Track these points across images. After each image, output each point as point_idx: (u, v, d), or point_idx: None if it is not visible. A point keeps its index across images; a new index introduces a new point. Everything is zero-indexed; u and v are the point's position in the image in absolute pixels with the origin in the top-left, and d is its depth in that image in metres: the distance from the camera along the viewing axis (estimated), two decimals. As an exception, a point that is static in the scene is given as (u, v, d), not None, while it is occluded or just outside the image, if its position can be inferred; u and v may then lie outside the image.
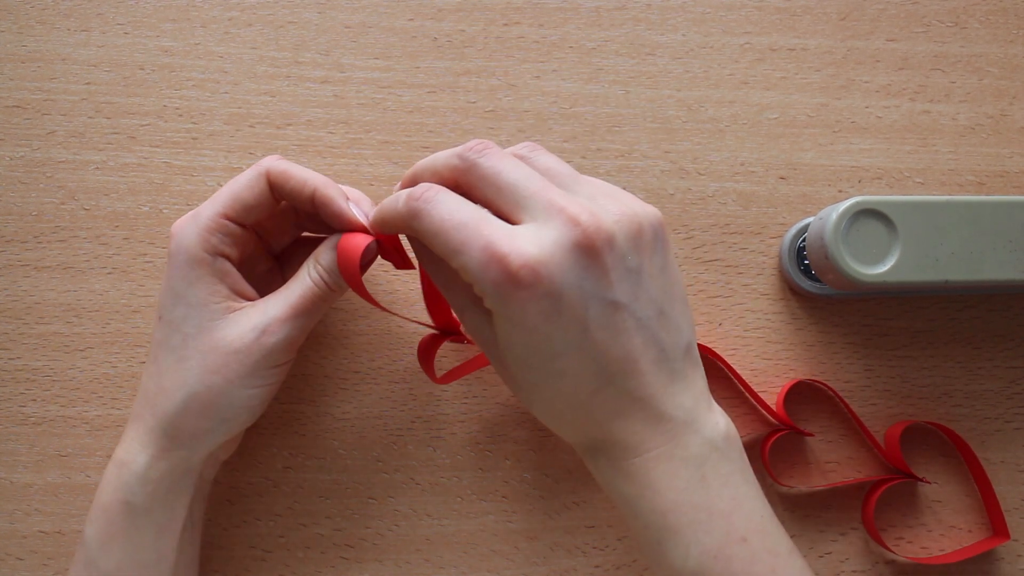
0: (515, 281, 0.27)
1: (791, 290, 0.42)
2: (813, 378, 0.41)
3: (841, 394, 0.41)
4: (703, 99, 0.43)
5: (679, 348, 0.30)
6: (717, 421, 0.30)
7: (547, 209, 0.28)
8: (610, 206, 0.29)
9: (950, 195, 0.42)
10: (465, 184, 0.30)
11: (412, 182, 0.32)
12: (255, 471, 0.40)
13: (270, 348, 0.32)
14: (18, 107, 0.42)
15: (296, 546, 0.40)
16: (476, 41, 0.43)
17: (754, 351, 0.41)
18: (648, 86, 0.43)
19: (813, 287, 0.41)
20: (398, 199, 0.30)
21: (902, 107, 0.44)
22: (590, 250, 0.27)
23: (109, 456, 0.40)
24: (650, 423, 0.29)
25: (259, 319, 0.32)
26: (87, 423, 0.40)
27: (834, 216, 0.36)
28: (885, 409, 0.41)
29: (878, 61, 0.44)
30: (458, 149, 0.30)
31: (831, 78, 0.44)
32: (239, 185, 0.33)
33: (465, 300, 0.31)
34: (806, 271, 0.41)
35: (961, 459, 0.41)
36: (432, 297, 0.37)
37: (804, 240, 0.41)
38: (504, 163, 0.29)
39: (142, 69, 0.42)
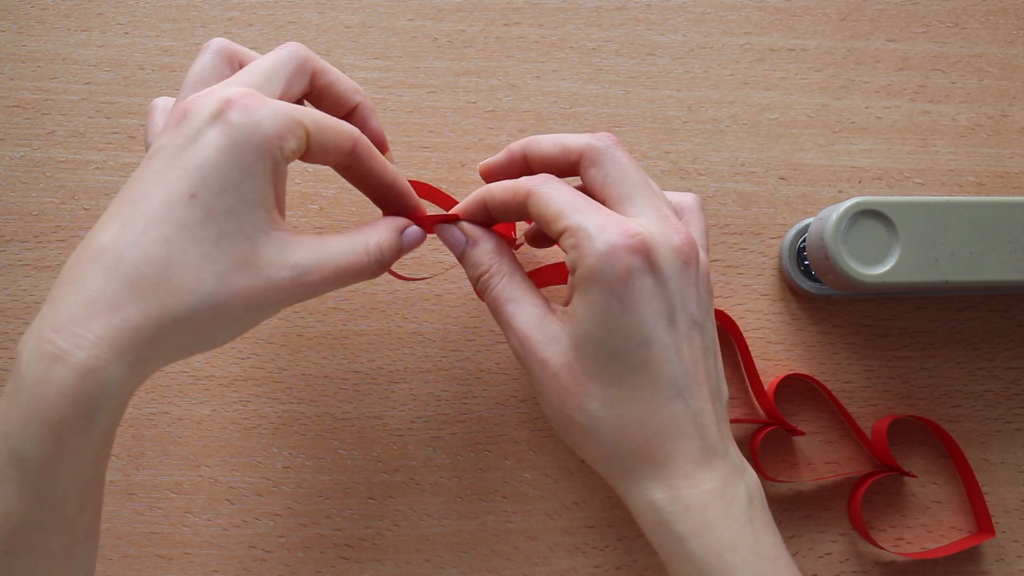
0: (639, 248, 0.28)
1: (791, 290, 0.42)
2: (800, 372, 0.41)
3: (840, 394, 0.41)
4: (703, 99, 0.43)
5: (726, 397, 0.32)
6: (752, 472, 0.31)
7: (656, 211, 0.30)
8: (698, 244, 0.31)
9: (950, 195, 0.42)
10: (589, 160, 0.31)
11: (522, 154, 0.33)
12: (255, 471, 0.40)
13: (296, 295, 0.28)
14: (18, 107, 0.42)
15: (296, 546, 0.40)
16: (476, 41, 0.43)
17: (754, 351, 0.41)
18: (648, 86, 0.43)
19: (813, 287, 0.41)
20: (517, 180, 0.31)
21: (902, 107, 0.44)
22: (687, 257, 0.29)
23: (112, 454, 0.40)
24: (706, 456, 0.29)
25: (302, 259, 0.28)
26: (87, 423, 0.40)
27: (834, 216, 0.36)
28: (884, 409, 0.41)
29: (878, 61, 0.44)
30: (596, 136, 0.31)
31: (831, 78, 0.44)
32: (332, 129, 0.29)
33: (514, 292, 0.31)
34: (806, 271, 0.41)
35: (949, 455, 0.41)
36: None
37: (804, 240, 0.41)
38: (634, 164, 0.31)
39: (142, 69, 0.42)
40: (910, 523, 0.41)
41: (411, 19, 0.43)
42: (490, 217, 0.33)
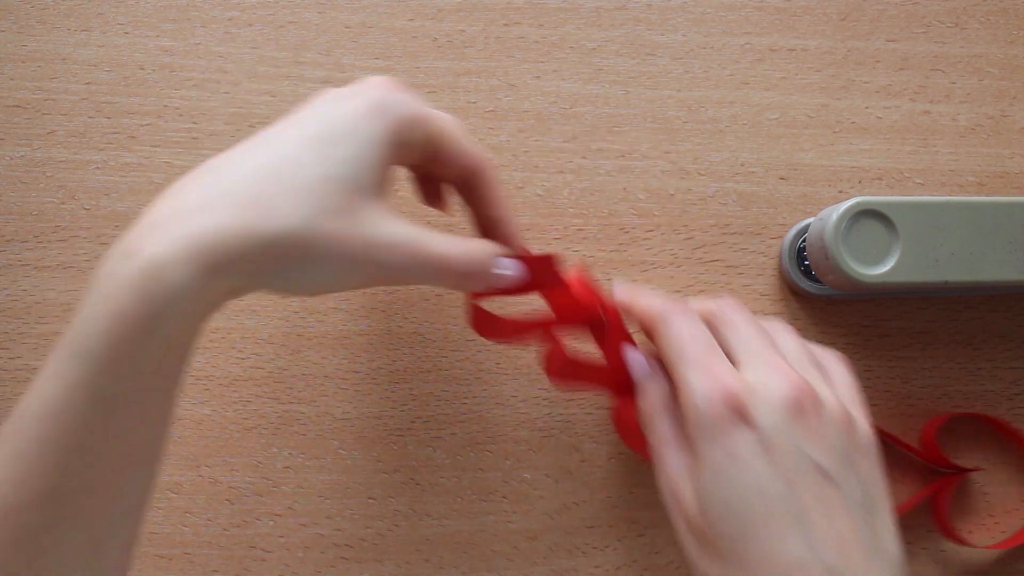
0: (731, 403, 0.29)
1: (791, 290, 0.42)
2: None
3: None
4: (703, 99, 0.43)
5: (894, 556, 0.29)
6: None
7: (767, 364, 0.30)
8: (829, 393, 0.31)
9: (950, 195, 0.42)
10: (713, 325, 0.33)
11: (656, 306, 0.33)
12: (255, 471, 0.40)
13: (380, 263, 0.28)
14: (18, 107, 0.42)
15: (296, 546, 0.40)
16: (476, 41, 0.43)
17: (754, 351, 0.41)
18: (648, 86, 0.43)
19: (813, 287, 0.41)
20: (656, 295, 0.33)
21: (902, 107, 0.44)
22: (799, 406, 0.29)
23: (109, 456, 0.40)
24: None
25: (398, 232, 0.28)
26: (87, 423, 0.40)
27: (834, 216, 0.36)
28: (885, 409, 0.41)
29: (878, 61, 0.44)
30: (717, 302, 0.34)
31: (831, 78, 0.44)
32: (461, 141, 0.31)
33: (669, 434, 0.32)
34: (806, 271, 0.41)
35: (999, 446, 0.41)
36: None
37: (804, 240, 0.41)
38: (750, 323, 0.32)
39: (142, 69, 0.42)
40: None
41: (411, 19, 0.43)
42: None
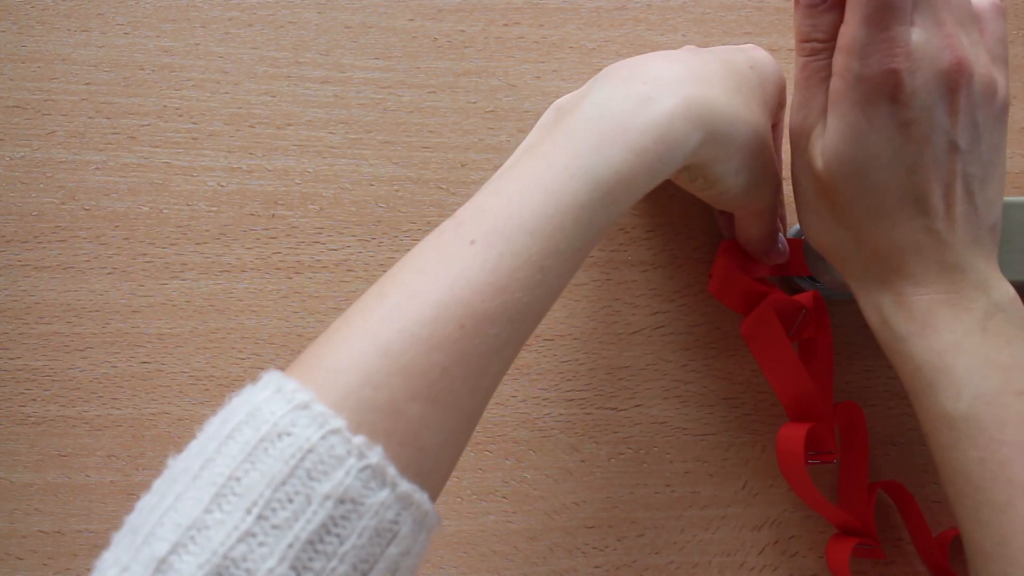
0: (890, 78, 0.28)
1: (791, 290, 0.42)
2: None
3: (841, 394, 0.41)
4: (703, 99, 0.43)
5: (989, 218, 0.31)
6: (1006, 289, 0.31)
7: (936, 24, 0.29)
8: (983, 54, 0.30)
9: (950, 195, 0.42)
10: None
11: None
12: (255, 471, 0.40)
13: (769, 184, 0.34)
14: (18, 107, 0.42)
15: (296, 546, 0.39)
16: (476, 41, 0.43)
17: (754, 351, 0.41)
18: (648, 86, 0.43)
19: (813, 287, 0.41)
20: None
21: (902, 107, 0.43)
22: (954, 83, 0.29)
23: (109, 455, 0.40)
24: (945, 269, 0.30)
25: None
26: (87, 423, 0.40)
27: (834, 216, 0.36)
28: (885, 410, 0.41)
29: (878, 61, 0.44)
30: None
31: (831, 78, 0.44)
32: (783, 126, 0.37)
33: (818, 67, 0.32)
34: (806, 271, 0.41)
35: None
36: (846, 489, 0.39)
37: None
38: None
39: (142, 69, 0.42)
40: None
41: (411, 19, 0.43)
42: None
